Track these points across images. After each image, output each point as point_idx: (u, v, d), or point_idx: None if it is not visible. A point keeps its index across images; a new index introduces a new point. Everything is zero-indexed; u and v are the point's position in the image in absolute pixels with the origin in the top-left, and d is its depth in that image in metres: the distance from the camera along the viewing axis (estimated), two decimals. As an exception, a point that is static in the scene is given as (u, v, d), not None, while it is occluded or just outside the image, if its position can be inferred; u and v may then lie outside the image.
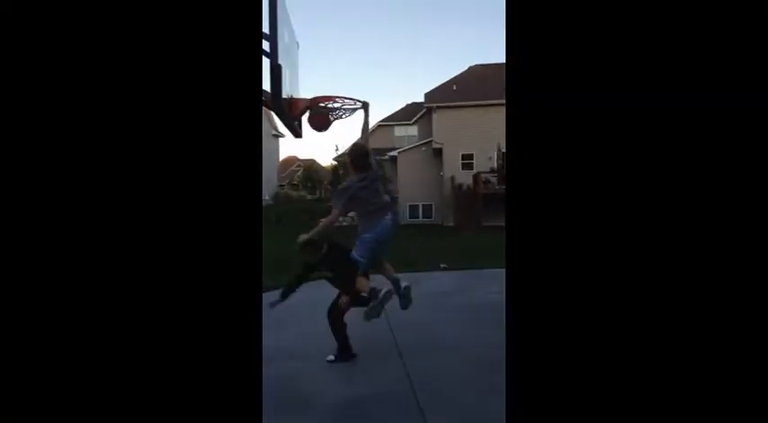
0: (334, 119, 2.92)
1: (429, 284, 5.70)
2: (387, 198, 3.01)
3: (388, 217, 2.94)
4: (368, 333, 3.81)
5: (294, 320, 4.20)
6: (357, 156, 2.94)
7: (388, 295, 2.99)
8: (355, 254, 2.92)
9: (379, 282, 3.13)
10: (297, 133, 3.62)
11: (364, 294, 2.98)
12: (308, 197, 27.68)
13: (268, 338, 2.45)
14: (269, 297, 2.97)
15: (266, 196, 24.00)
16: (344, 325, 3.17)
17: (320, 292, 5.65)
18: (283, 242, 5.69)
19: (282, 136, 26.09)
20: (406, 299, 3.16)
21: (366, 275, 3.05)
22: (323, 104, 2.90)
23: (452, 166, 16.22)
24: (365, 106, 3.01)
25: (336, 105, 2.90)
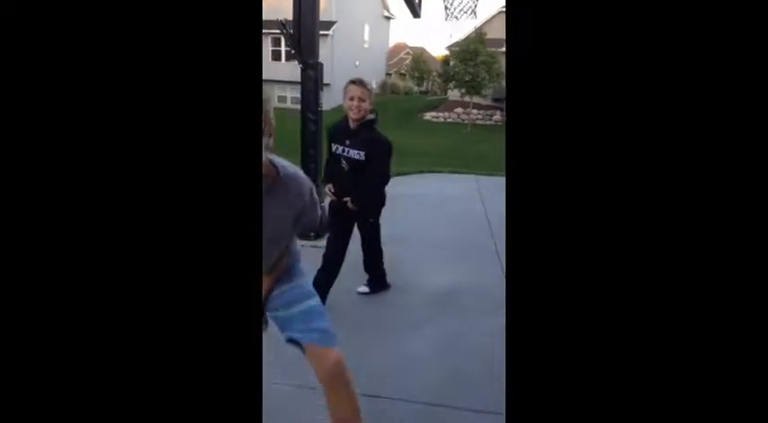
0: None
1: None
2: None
3: None
4: (469, 231, 3.84)
5: (394, 211, 4.33)
6: None
7: None
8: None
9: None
10: (415, 12, 3.37)
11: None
12: (415, 88, 26.97)
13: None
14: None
15: (373, 84, 23.86)
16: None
17: (425, 182, 5.72)
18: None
19: (393, 18, 24.85)
20: None
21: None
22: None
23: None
24: None
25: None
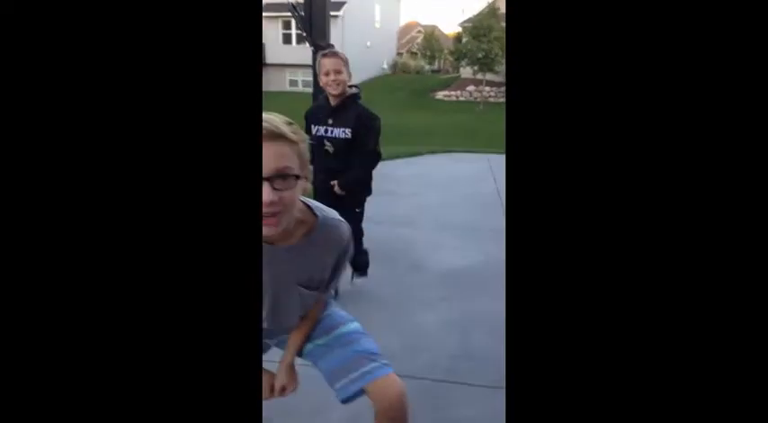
0: None
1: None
2: None
3: None
4: (481, 211, 3.84)
5: (405, 192, 4.35)
6: None
7: None
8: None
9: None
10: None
11: None
12: (427, 67, 26.58)
13: (382, 207, 2.58)
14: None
15: (384, 65, 23.54)
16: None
17: (437, 162, 5.70)
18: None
19: (404, -3, 24.37)
20: None
21: None
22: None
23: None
24: None
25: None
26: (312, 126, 2.17)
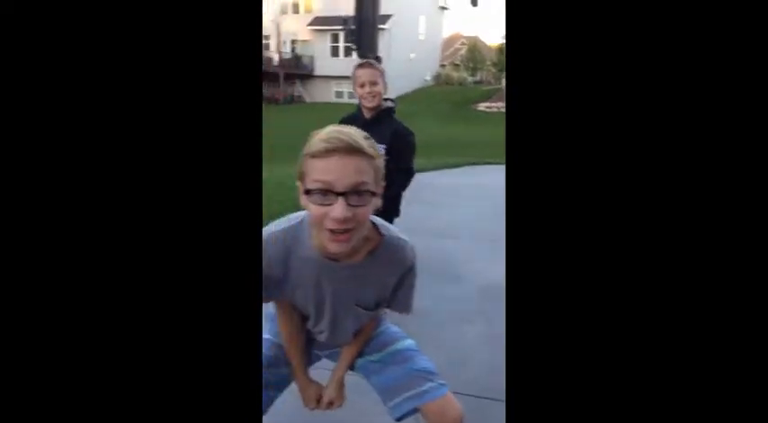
0: None
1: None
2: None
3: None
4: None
5: (444, 203, 4.34)
6: None
7: None
8: None
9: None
10: (474, 1, 3.33)
11: None
12: (470, 79, 26.50)
13: (420, 218, 2.58)
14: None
15: (427, 76, 23.65)
16: None
17: (476, 173, 5.66)
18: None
19: (447, 8, 24.46)
20: None
21: None
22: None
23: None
24: None
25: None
26: None
